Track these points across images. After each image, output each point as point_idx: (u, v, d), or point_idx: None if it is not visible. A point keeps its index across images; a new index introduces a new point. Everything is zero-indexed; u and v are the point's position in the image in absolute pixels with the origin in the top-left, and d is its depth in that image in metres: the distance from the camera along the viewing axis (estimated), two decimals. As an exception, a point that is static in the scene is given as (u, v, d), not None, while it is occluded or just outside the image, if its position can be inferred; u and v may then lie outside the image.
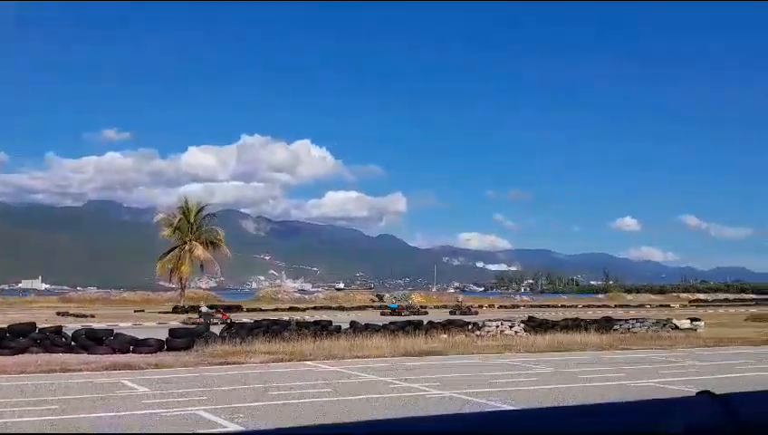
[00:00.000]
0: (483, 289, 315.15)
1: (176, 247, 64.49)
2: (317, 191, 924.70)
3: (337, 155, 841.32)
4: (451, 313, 52.07)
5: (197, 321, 37.56)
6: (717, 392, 0.95)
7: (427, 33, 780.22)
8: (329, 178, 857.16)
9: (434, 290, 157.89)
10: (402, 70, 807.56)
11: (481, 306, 73.59)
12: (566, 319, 33.69)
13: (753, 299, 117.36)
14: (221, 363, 19.35)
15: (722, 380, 16.77)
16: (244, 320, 34.08)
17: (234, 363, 19.38)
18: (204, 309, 42.32)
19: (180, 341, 22.61)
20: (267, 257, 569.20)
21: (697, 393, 0.94)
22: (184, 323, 37.58)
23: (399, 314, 50.02)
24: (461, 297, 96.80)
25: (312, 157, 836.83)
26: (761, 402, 0.92)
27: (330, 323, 28.44)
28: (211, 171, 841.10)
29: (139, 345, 21.88)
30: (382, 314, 53.90)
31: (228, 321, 35.29)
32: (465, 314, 52.60)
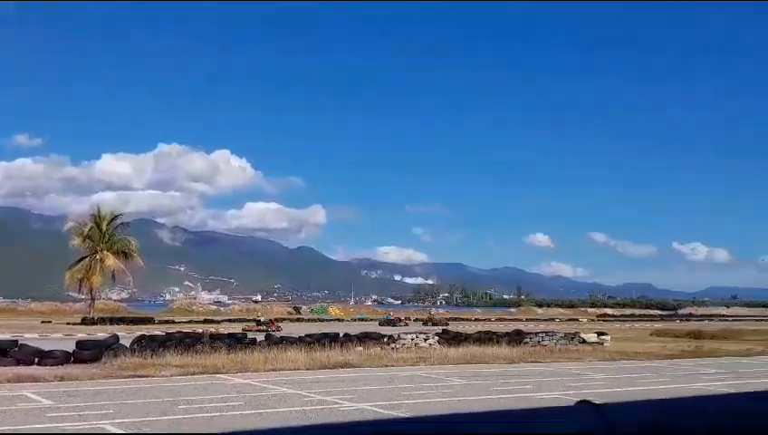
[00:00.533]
0: (400, 302, 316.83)
1: (86, 257, 62.51)
2: (236, 202, 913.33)
3: (257, 166, 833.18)
4: (424, 323, 67.74)
5: (259, 328, 46.86)
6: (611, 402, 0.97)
7: (350, 43, 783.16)
8: (248, 189, 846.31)
9: (352, 303, 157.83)
10: (322, 81, 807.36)
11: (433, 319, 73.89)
12: (479, 332, 34.22)
13: (659, 314, 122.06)
14: (130, 376, 18.80)
15: (622, 392, 17.34)
16: (156, 332, 33.20)
17: (143, 376, 18.86)
18: (262, 319, 52.28)
19: (88, 353, 21.86)
20: (182, 268, 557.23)
21: (577, 403, 0.96)
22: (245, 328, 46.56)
23: (394, 325, 60.92)
24: (380, 310, 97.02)
25: (232, 167, 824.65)
26: (634, 411, 0.94)
27: (245, 335, 28.04)
28: (126, 180, 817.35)
29: (45, 357, 21.04)
30: (380, 324, 62.12)
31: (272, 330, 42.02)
32: (436, 324, 63.60)
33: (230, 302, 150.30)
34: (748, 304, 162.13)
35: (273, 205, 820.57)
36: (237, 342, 26.24)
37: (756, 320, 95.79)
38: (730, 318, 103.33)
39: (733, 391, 17.93)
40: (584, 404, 0.80)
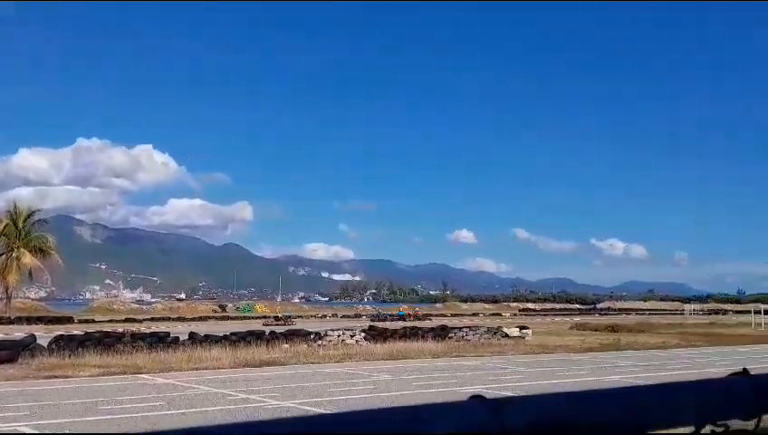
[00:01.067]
0: (328, 299, 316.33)
1: (2, 254, 60.29)
2: (159, 198, 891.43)
3: (180, 161, 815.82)
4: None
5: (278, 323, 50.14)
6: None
7: (276, 37, 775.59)
8: (171, 185, 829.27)
9: (278, 300, 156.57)
10: (246, 76, 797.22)
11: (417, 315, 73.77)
12: (404, 328, 34.48)
13: (578, 309, 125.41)
14: (48, 377, 18.24)
15: (542, 385, 17.79)
16: (75, 332, 32.28)
17: (62, 377, 18.34)
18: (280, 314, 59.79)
19: (4, 353, 21.12)
20: (103, 266, 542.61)
21: (470, 397, 1.01)
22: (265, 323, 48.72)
23: (405, 320, 61.09)
24: (306, 307, 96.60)
25: (154, 162, 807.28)
26: (527, 405, 0.99)
27: (167, 334, 27.49)
28: (44, 175, 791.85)
29: (-44, 359, 20.22)
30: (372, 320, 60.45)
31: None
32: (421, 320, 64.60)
33: (153, 300, 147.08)
34: (664, 299, 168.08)
35: (197, 201, 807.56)
36: (159, 341, 25.73)
37: (671, 314, 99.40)
38: (647, 312, 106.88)
39: (650, 382, 18.60)
40: (476, 399, 0.83)
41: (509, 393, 15.65)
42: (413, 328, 34.43)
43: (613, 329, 48.12)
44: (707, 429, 1.12)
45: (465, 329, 35.16)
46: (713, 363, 24.36)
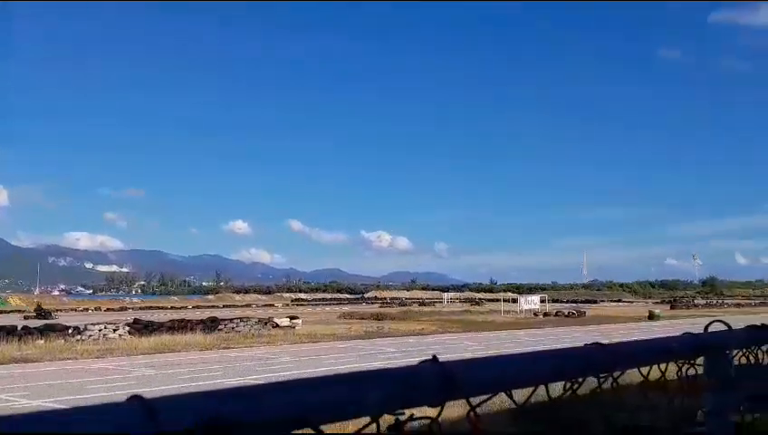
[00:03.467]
0: (92, 291, 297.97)
1: None
2: None
3: None
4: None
5: None
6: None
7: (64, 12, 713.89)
8: None
9: (36, 292, 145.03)
10: (25, 51, 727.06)
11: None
12: (172, 320, 33.37)
13: (347, 298, 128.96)
14: None
15: (307, 373, 18.02)
16: None
17: None
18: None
19: None
20: None
21: (128, 398, 0.90)
22: None
23: None
24: (66, 300, 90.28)
25: None
26: (182, 405, 0.92)
27: None
28: None
29: None
30: None
31: None
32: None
33: None
34: (425, 288, 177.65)
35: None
36: None
37: (432, 302, 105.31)
38: (409, 301, 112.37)
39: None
40: (135, 399, 0.76)
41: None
42: (181, 320, 33.40)
43: (378, 317, 50.12)
44: (392, 417, 1.09)
45: (236, 320, 34.78)
46: (466, 348, 26.10)
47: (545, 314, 56.23)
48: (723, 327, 2.34)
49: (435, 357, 1.31)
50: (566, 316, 54.56)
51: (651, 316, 52.80)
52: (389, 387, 1.10)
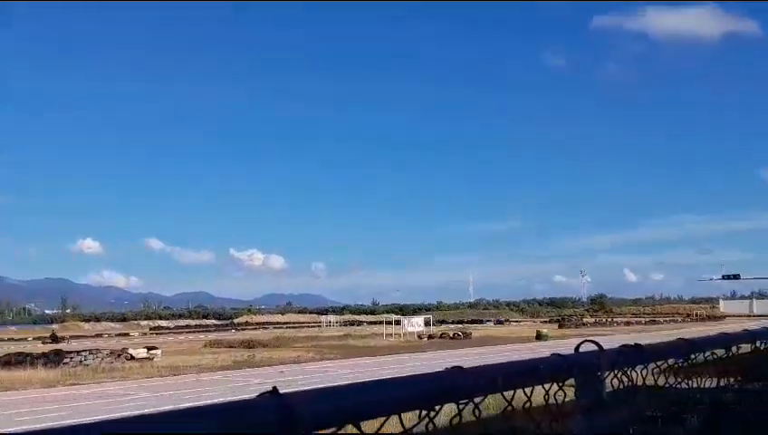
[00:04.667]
0: None
1: None
2: None
3: None
4: None
5: None
6: None
7: None
8: None
9: None
10: None
11: None
12: (8, 354, 31.70)
13: (214, 325, 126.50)
14: None
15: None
16: None
17: None
18: None
19: None
20: None
21: None
22: None
23: None
24: None
25: None
26: None
27: None
28: None
29: None
30: None
31: None
32: None
33: None
34: (302, 311, 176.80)
35: None
36: None
37: (308, 326, 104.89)
38: (284, 325, 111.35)
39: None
40: None
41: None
42: (19, 354, 31.77)
43: (249, 345, 49.42)
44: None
45: (84, 353, 33.42)
46: (342, 377, 26.15)
47: (430, 337, 57.23)
48: (594, 347, 2.43)
49: (275, 389, 1.29)
50: (451, 338, 55.78)
51: (539, 336, 54.85)
52: (214, 426, 1.07)
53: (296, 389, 1.30)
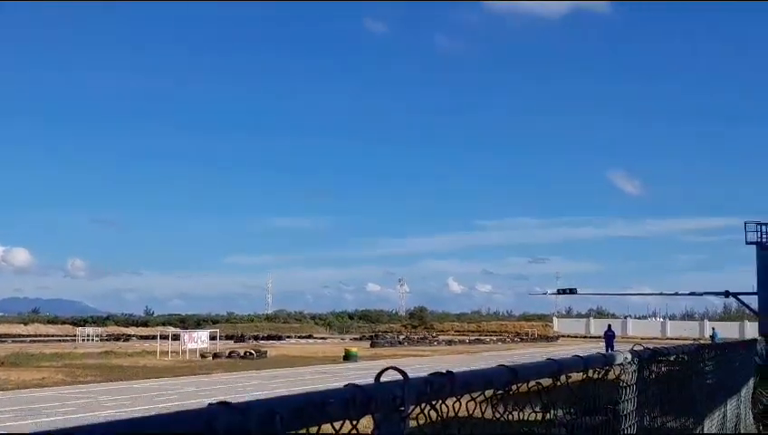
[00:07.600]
0: None
1: None
2: None
3: None
4: None
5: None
6: None
7: None
8: None
9: None
10: None
11: None
12: None
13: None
14: None
15: None
16: None
17: None
18: None
19: None
20: None
21: None
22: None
23: None
24: None
25: None
26: None
27: None
28: None
29: None
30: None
31: None
32: None
33: None
34: (52, 321, 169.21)
35: None
36: None
37: (61, 340, 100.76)
38: (28, 339, 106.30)
39: None
40: None
41: None
42: None
43: (-24, 364, 46.79)
44: None
45: None
46: (102, 404, 25.35)
47: (215, 356, 56.59)
48: (399, 376, 2.42)
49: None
50: (242, 357, 55.40)
51: (347, 356, 55.54)
52: None
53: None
